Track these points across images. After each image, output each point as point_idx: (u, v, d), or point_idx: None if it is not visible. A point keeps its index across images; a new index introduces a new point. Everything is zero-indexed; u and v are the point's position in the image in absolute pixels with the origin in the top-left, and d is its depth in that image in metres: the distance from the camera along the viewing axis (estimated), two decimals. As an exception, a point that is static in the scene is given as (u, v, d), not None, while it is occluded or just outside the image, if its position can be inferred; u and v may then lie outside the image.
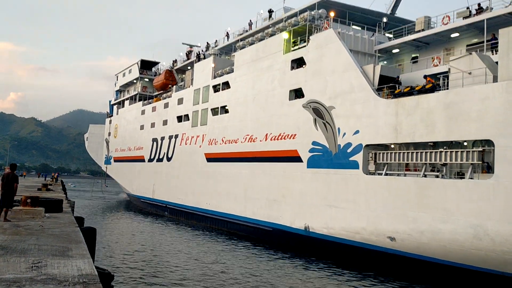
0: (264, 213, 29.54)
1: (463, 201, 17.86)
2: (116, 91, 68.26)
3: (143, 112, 53.72)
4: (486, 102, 17.49)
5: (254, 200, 30.78)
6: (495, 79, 17.87)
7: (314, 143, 26.14)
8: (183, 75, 49.33)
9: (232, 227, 33.04)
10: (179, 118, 43.75)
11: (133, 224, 38.15)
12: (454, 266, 18.37)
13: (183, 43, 55.58)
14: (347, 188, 23.52)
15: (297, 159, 27.27)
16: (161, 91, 52.76)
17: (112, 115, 67.34)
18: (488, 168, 17.90)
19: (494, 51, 20.15)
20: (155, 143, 48.94)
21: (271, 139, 29.88)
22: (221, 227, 34.39)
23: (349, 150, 23.70)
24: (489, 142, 17.75)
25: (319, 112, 25.99)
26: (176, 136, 43.70)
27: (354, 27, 29.33)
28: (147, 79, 59.96)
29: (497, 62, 17.99)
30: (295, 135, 27.75)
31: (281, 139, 28.96)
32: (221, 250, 26.07)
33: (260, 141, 30.87)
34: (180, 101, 43.92)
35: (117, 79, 68.31)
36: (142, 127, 53.47)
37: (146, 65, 60.86)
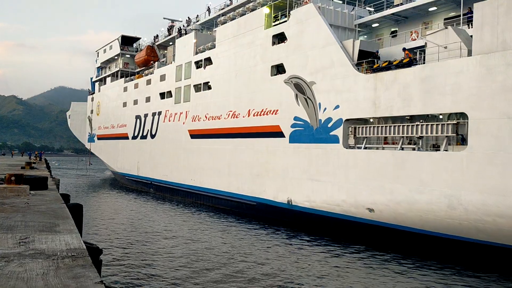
0: (248, 188, 30.05)
1: (438, 172, 18.51)
2: (97, 67, 67.27)
3: (125, 89, 53.26)
4: (461, 76, 17.96)
5: (238, 175, 31.22)
6: (469, 53, 18.31)
7: (295, 118, 26.49)
8: (165, 51, 48.84)
9: (216, 202, 33.56)
10: (162, 95, 43.59)
11: (119, 201, 38.44)
12: (429, 235, 19.16)
13: (164, 18, 54.72)
14: (328, 162, 24.05)
15: (280, 134, 27.65)
16: (143, 68, 52.25)
17: (94, 92, 66.58)
18: (462, 140, 18.50)
19: (470, 25, 20.50)
20: (138, 120, 48.77)
21: (253, 115, 30.14)
22: (206, 203, 34.89)
23: (329, 125, 24.13)
24: (463, 115, 18.30)
25: (300, 88, 26.25)
26: (160, 113, 43.62)
27: (335, 0, 29.37)
28: (128, 55, 59.15)
29: (472, 36, 18.39)
30: (277, 110, 28.04)
31: (263, 114, 29.23)
32: (206, 224, 26.61)
33: (243, 117, 31.11)
34: (162, 78, 43.66)
35: (97, 55, 67.22)
36: (124, 104, 53.10)
37: (127, 41, 59.90)
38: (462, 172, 17.64)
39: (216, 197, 33.60)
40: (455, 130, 18.35)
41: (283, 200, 26.86)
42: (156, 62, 47.73)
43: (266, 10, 29.93)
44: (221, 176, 32.95)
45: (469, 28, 20.35)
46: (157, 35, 53.55)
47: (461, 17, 21.25)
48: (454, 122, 18.47)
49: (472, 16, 19.18)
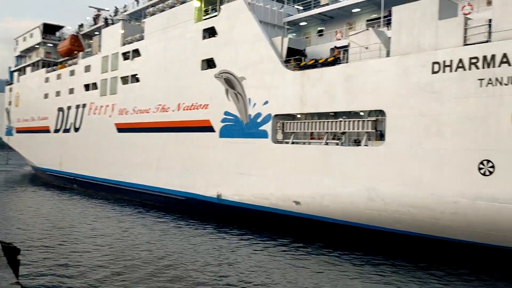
0: (177, 183, 29.79)
1: (359, 166, 19.56)
2: (17, 56, 63.15)
3: (47, 80, 50.49)
4: (380, 75, 19.07)
5: (167, 170, 30.84)
6: (388, 54, 19.45)
7: (226, 113, 26.65)
8: (90, 41, 46.90)
9: (145, 197, 32.93)
10: (87, 87, 41.85)
11: (40, 198, 36.46)
12: (351, 226, 20.20)
13: (90, 7, 52.45)
14: (257, 156, 24.48)
15: (210, 129, 27.67)
16: (66, 58, 49.88)
17: (12, 83, 62.38)
18: (381, 136, 19.67)
19: (389, 27, 21.73)
20: (61, 112, 46.48)
21: (184, 109, 29.89)
22: (133, 198, 34.10)
23: (259, 120, 24.56)
24: (382, 112, 19.44)
25: (230, 83, 26.43)
26: (84, 105, 41.85)
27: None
28: (51, 44, 56.07)
29: (390, 38, 19.54)
30: (207, 105, 28.02)
31: (194, 109, 29.08)
32: (132, 221, 26.09)
33: (173, 111, 30.75)
34: (87, 69, 41.89)
35: (17, 43, 63.01)
36: (46, 96, 50.35)
37: (50, 29, 56.75)
38: (380, 166, 18.78)
39: (144, 193, 32.96)
40: (374, 126, 19.46)
41: (213, 194, 26.96)
42: (81, 52, 45.68)
43: (196, 3, 29.71)
44: (150, 171, 32.37)
45: (388, 30, 21.56)
46: (82, 24, 51.15)
47: (382, 19, 22.50)
48: (373, 118, 19.58)
49: (391, 19, 20.36)
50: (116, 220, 25.93)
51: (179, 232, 22.77)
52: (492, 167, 15.83)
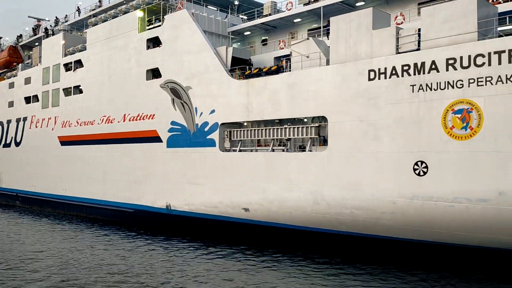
0: (125, 195, 29.26)
1: (304, 171, 20.12)
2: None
3: (-17, 93, 48.12)
4: (320, 83, 19.77)
5: (114, 182, 30.23)
6: (328, 63, 20.20)
7: (173, 123, 26.57)
8: (30, 52, 45.31)
9: (91, 211, 32.07)
10: (27, 99, 40.34)
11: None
12: (298, 229, 20.67)
13: (29, 16, 50.80)
14: (206, 165, 24.56)
15: (157, 139, 27.46)
16: (4, 70, 47.81)
17: None
18: (324, 141, 20.33)
19: (329, 36, 22.54)
20: (0, 127, 44.45)
21: (129, 120, 29.46)
22: (79, 213, 33.12)
23: (206, 129, 24.68)
24: (324, 118, 20.12)
25: (176, 92, 26.41)
26: (25, 118, 40.28)
27: (209, 7, 30.09)
28: (-13, 56, 53.49)
29: (329, 47, 20.31)
30: (153, 115, 27.81)
31: (140, 119, 28.75)
32: (77, 238, 25.34)
33: (118, 122, 30.24)
34: (27, 81, 40.39)
35: None
36: (-17, 110, 47.96)
37: (-15, 40, 54.22)
38: (323, 170, 19.41)
39: (91, 207, 32.08)
40: (317, 132, 20.11)
41: (162, 205, 26.71)
42: (20, 64, 44.01)
43: (139, 13, 29.48)
44: (96, 184, 31.58)
45: (328, 39, 22.37)
46: (21, 35, 49.34)
47: (322, 29, 23.32)
48: (316, 125, 20.24)
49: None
50: (59, 238, 25.06)
51: (124, 247, 22.36)
52: (426, 167, 16.79)
